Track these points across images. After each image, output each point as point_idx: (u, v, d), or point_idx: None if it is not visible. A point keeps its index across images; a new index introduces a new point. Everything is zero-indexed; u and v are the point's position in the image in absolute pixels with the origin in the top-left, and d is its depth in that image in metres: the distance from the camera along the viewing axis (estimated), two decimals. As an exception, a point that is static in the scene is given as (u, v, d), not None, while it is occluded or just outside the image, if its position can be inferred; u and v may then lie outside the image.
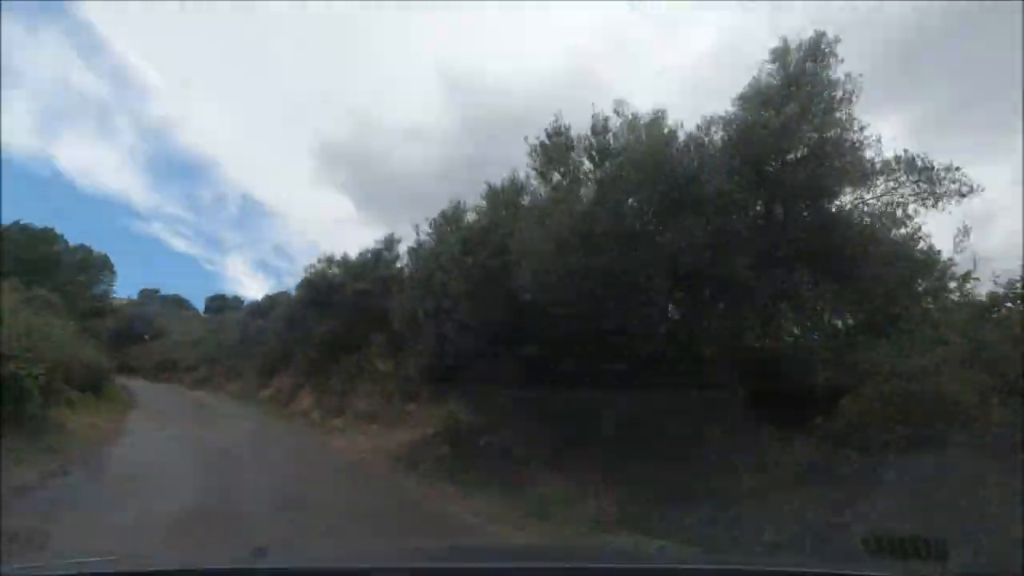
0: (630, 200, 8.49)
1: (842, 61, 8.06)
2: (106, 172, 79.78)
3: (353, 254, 20.76)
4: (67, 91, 71.31)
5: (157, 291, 54.75)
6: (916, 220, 7.91)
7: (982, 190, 7.49)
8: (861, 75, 7.93)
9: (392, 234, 19.98)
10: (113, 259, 44.98)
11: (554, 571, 2.12)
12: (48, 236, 38.99)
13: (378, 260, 19.87)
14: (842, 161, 7.87)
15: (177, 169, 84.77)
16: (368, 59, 75.19)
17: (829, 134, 7.92)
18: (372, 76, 76.56)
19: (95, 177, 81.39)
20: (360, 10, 74.70)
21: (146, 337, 40.82)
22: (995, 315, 6.44)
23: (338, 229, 69.71)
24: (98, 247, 44.06)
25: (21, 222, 37.18)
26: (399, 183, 68.47)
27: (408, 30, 69.99)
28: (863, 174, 7.95)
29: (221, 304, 54.01)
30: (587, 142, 9.82)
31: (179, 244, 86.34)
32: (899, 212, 7.95)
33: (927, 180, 7.70)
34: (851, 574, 2.20)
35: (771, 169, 8.16)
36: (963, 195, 7.52)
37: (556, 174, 10.18)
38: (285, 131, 78.35)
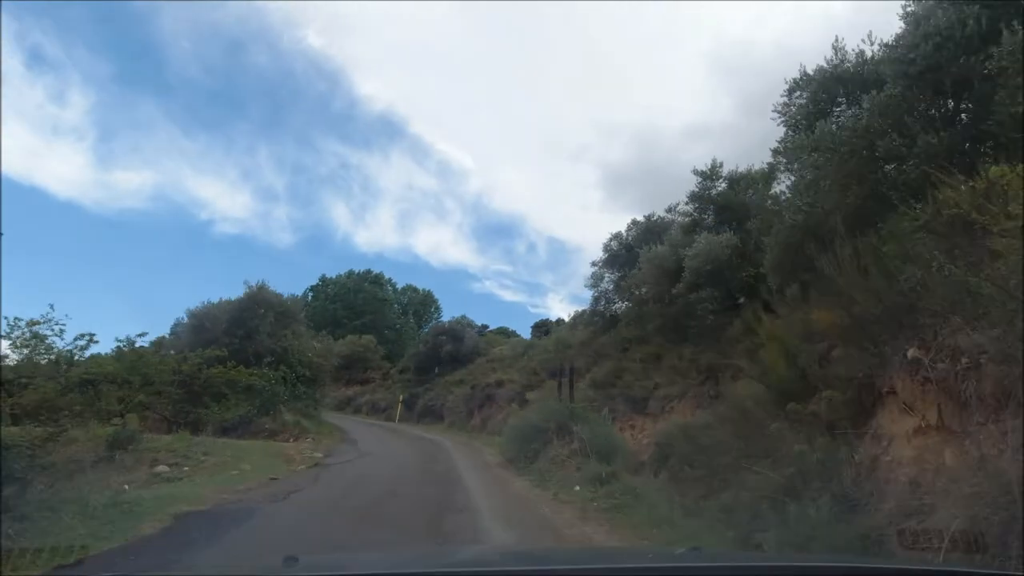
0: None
1: None
2: (447, 247, 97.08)
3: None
4: (412, 192, 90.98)
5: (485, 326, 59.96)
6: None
7: None
8: None
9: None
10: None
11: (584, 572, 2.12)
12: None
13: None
14: None
15: (495, 231, 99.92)
16: (630, 71, 76.90)
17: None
18: (639, 89, 78.50)
19: (440, 254, 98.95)
20: (611, 32, 77.00)
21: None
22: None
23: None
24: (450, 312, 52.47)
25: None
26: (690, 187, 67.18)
27: (668, 29, 70.63)
28: None
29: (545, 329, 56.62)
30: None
31: (507, 295, 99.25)
32: None
33: None
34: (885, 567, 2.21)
35: None
36: None
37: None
38: (573, 169, 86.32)
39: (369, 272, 67.62)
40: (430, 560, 2.65)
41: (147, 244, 72.11)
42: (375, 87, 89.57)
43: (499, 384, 24.26)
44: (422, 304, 71.60)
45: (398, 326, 64.01)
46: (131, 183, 71.79)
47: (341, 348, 46.72)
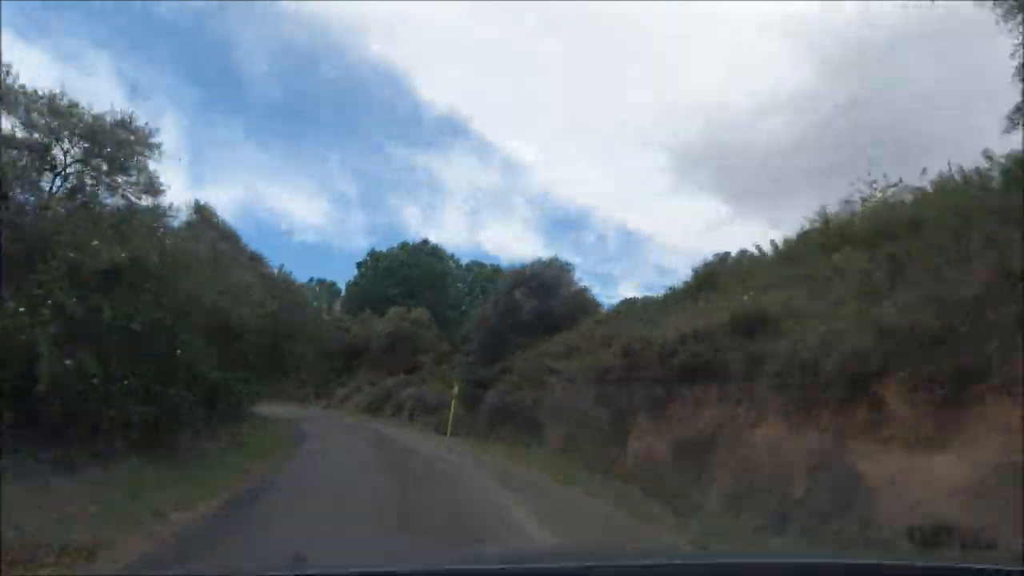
0: None
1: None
2: (513, 243, 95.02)
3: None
4: (478, 190, 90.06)
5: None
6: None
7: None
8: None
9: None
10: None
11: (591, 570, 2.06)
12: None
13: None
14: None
15: (563, 224, 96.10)
16: (696, 47, 69.88)
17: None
18: (706, 65, 71.92)
19: (507, 249, 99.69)
20: (673, 8, 70.58)
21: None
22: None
23: (710, 230, 69.48)
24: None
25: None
26: (767, 165, 63.16)
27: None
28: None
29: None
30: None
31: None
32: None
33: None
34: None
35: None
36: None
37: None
38: (641, 155, 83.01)
39: (426, 243, 56.81)
40: (438, 560, 2.49)
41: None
42: (437, 89, 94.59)
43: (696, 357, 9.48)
44: (490, 281, 58.91)
45: (463, 307, 52.06)
46: (220, 200, 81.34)
47: (384, 326, 34.97)
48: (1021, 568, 1.95)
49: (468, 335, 24.52)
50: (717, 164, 70.02)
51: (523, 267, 22.09)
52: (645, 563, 2.12)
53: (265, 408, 26.58)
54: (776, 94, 62.18)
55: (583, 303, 20.89)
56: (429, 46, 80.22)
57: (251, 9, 74.90)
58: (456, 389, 16.73)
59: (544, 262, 22.41)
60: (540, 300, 20.70)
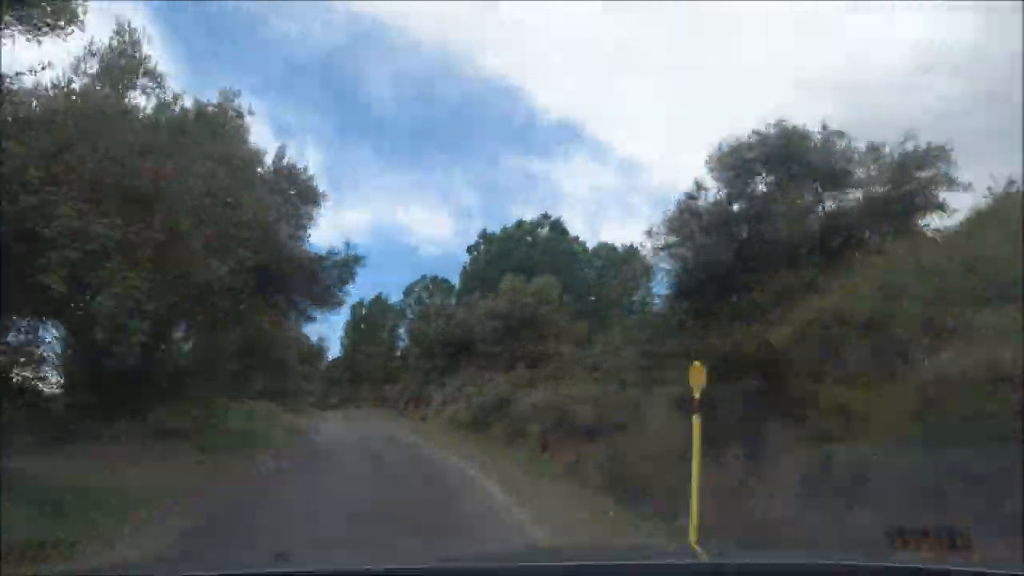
0: None
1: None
2: (634, 239, 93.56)
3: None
4: (596, 192, 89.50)
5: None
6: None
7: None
8: None
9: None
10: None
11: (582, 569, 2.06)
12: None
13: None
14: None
15: None
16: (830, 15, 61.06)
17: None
18: (845, 33, 61.14)
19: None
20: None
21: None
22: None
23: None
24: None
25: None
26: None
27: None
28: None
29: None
30: None
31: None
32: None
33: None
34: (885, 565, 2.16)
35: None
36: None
37: None
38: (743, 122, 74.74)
39: (547, 216, 46.78)
40: (422, 558, 2.49)
41: (372, 273, 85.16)
42: (551, 97, 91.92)
43: None
44: (625, 264, 47.31)
45: (592, 298, 40.38)
46: (356, 223, 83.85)
47: (494, 304, 24.88)
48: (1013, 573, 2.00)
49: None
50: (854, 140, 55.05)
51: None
52: (637, 563, 2.14)
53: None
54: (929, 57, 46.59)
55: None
56: (541, 54, 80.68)
57: (377, 43, 79.70)
58: (699, 378, 5.56)
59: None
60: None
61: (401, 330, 49.02)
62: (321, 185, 17.81)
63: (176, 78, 36.03)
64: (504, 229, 45.95)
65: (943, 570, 2.00)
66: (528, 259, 40.09)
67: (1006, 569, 1.96)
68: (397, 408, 33.71)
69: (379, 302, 53.80)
